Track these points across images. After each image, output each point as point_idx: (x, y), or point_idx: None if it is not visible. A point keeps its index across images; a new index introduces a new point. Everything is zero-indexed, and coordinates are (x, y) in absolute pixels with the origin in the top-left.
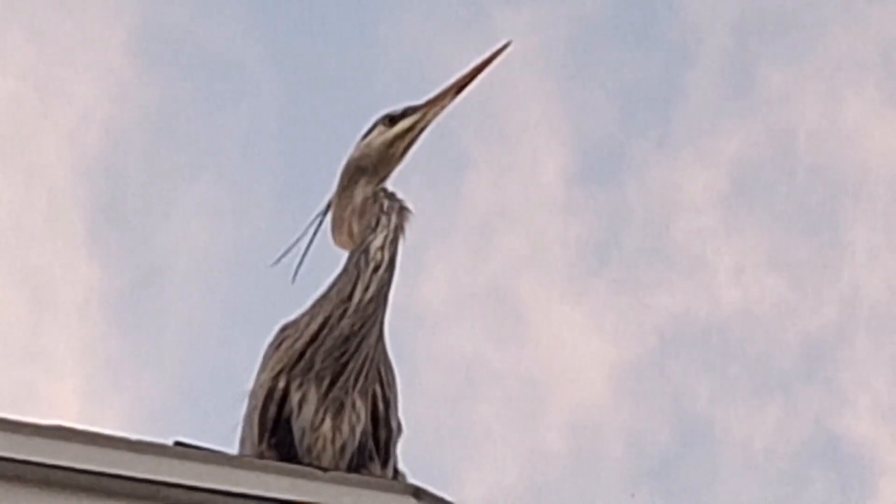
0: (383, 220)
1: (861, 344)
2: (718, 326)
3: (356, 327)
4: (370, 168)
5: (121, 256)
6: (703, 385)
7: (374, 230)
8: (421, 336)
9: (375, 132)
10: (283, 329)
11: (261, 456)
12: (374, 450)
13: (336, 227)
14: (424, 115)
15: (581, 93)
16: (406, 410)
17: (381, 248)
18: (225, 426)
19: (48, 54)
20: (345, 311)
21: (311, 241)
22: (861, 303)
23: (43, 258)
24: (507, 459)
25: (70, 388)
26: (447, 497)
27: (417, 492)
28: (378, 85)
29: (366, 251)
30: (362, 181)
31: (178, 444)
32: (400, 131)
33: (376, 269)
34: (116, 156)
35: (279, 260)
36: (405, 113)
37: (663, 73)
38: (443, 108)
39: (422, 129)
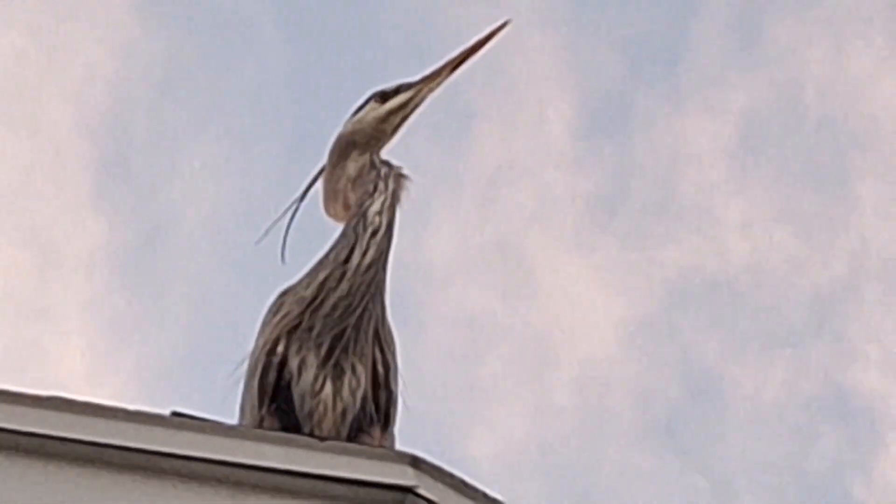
0: (381, 185)
1: (870, 297)
2: (727, 281)
3: (354, 291)
4: (362, 143)
5: (126, 213)
6: (712, 340)
7: (371, 195)
8: (428, 292)
9: (367, 108)
10: (282, 294)
11: (261, 422)
12: (374, 414)
13: (329, 200)
14: (418, 91)
15: (588, 46)
16: (414, 367)
17: (379, 212)
18: (228, 386)
19: (54, 10)
20: (343, 275)
21: (291, 218)
22: (870, 256)
23: (48, 215)
24: (514, 415)
25: (75, 346)
26: (446, 466)
27: (415, 461)
28: (386, 43)
29: (364, 216)
30: (354, 154)
31: (175, 413)
32: (393, 107)
33: (374, 233)
34: (122, 112)
35: (263, 236)
36: (398, 89)
37: (670, 26)
38: (438, 85)
39: (415, 106)
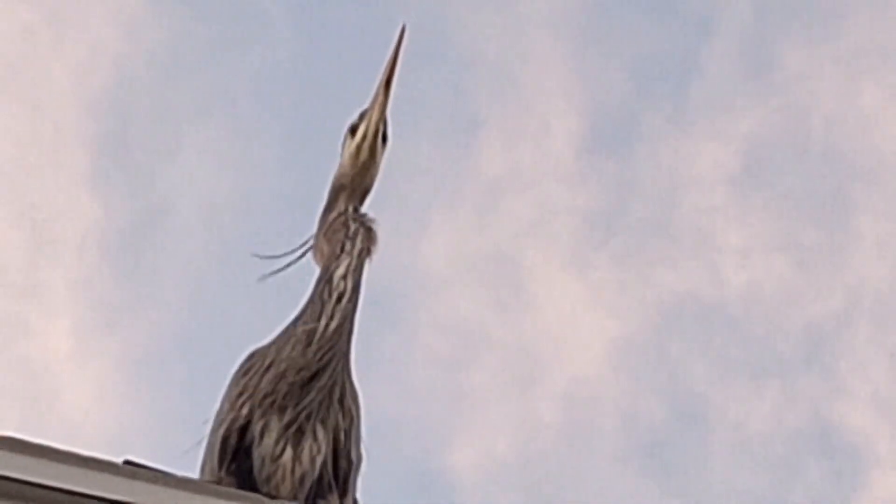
0: (347, 245)
1: (863, 334)
2: (720, 307)
3: (320, 359)
4: (347, 184)
5: (123, 195)
6: (702, 365)
7: (337, 257)
8: (421, 297)
9: (345, 146)
10: (251, 356)
11: (219, 482)
12: (332, 481)
13: (315, 248)
14: (371, 118)
15: (597, 61)
16: (402, 374)
17: (344, 276)
18: (216, 376)
19: None
20: (308, 342)
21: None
22: (865, 292)
23: (45, 193)
24: (499, 427)
25: (63, 326)
26: None
27: None
28: (392, 37)
29: (329, 280)
30: (342, 197)
31: (127, 462)
32: (359, 140)
33: (339, 298)
34: (125, 93)
35: (267, 276)
36: (361, 117)
37: (681, 46)
38: (383, 105)
39: (376, 132)
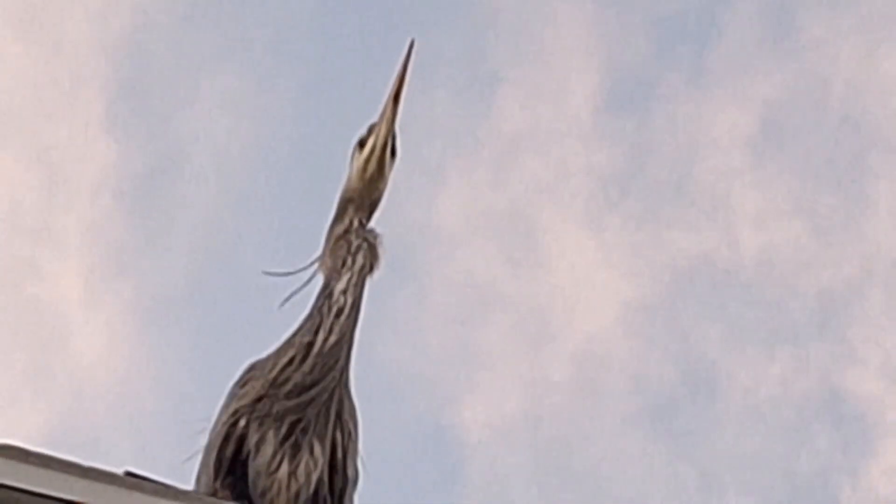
0: (348, 261)
1: (876, 301)
2: (734, 271)
3: (317, 373)
4: (356, 197)
5: (139, 141)
6: (714, 329)
7: (338, 272)
8: (435, 252)
9: (353, 161)
10: (250, 369)
11: (214, 494)
12: (328, 497)
13: (321, 261)
14: (379, 132)
15: (618, 21)
16: (413, 330)
17: (345, 291)
18: (226, 324)
19: None
20: (306, 356)
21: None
22: (880, 259)
23: (60, 136)
24: (510, 385)
25: (74, 269)
26: None
27: None
28: None
29: (329, 295)
30: (350, 210)
31: (128, 474)
32: (367, 154)
33: (338, 314)
34: (143, 38)
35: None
36: (370, 131)
37: (701, 8)
38: (392, 120)
39: (384, 146)
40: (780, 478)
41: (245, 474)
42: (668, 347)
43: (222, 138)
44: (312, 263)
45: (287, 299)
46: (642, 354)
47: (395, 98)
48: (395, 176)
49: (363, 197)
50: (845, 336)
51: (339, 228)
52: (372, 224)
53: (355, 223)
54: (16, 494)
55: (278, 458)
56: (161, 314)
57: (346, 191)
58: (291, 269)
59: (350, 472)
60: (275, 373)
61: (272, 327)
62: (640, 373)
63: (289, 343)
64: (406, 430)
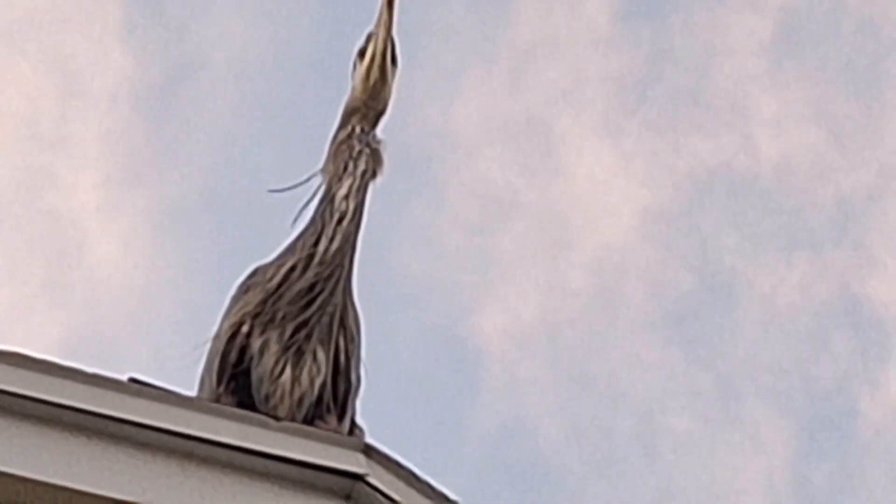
0: (350, 166)
1: (894, 208)
2: (752, 178)
3: (320, 279)
4: (360, 107)
5: (155, 48)
6: (732, 236)
7: (340, 178)
8: (452, 160)
9: (354, 72)
10: (253, 274)
11: (217, 400)
12: (331, 403)
13: (324, 169)
14: (377, 38)
15: None
16: (430, 238)
17: (346, 196)
18: (242, 234)
19: None
20: (309, 263)
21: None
22: None
23: (76, 44)
24: (526, 293)
25: (90, 179)
26: (397, 457)
27: (367, 449)
28: None
29: (331, 200)
30: (353, 120)
31: (132, 380)
32: (367, 63)
33: (340, 219)
34: None
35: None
36: (368, 40)
37: None
38: (388, 25)
39: (384, 52)
40: (798, 384)
41: (248, 380)
42: (686, 255)
43: (239, 44)
44: (315, 174)
45: (297, 216)
46: (660, 262)
47: (390, 3)
48: (412, 83)
49: (367, 106)
50: (864, 242)
51: (342, 136)
52: (385, 132)
53: (357, 129)
54: (18, 400)
55: (281, 363)
56: (178, 223)
57: (349, 101)
58: (295, 182)
59: (353, 378)
60: (277, 279)
61: (286, 237)
62: (658, 280)
63: (291, 249)
64: (423, 338)
